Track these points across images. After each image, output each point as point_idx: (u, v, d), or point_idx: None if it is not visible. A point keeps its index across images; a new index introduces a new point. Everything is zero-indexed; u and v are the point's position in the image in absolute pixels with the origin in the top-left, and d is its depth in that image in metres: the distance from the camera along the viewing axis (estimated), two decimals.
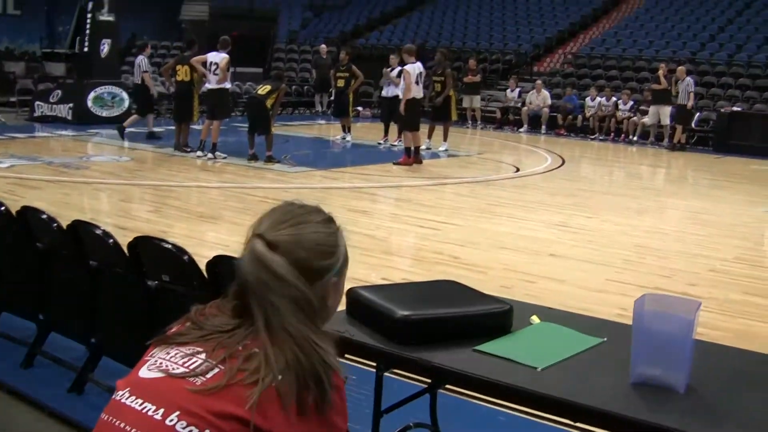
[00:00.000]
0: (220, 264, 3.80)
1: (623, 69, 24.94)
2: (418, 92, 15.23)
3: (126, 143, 17.03)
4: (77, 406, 4.38)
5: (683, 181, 16.87)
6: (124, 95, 20.44)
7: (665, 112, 20.48)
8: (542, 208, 11.41)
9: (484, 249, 8.72)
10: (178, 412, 1.58)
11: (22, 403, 4.47)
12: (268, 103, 14.63)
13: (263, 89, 14.98)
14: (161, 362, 1.68)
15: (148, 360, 1.71)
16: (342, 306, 2.79)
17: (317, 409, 1.60)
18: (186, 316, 1.79)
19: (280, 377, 1.59)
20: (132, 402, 1.64)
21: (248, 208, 10.52)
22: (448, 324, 2.98)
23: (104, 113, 19.91)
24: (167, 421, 1.58)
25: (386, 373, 3.29)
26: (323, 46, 23.87)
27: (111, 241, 4.41)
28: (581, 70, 25.69)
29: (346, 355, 3.13)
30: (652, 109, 20.83)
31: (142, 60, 17.39)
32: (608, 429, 2.66)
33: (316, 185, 13.07)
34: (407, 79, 15.05)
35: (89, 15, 20.32)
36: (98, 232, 4.51)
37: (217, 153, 15.02)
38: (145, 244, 4.29)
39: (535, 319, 3.17)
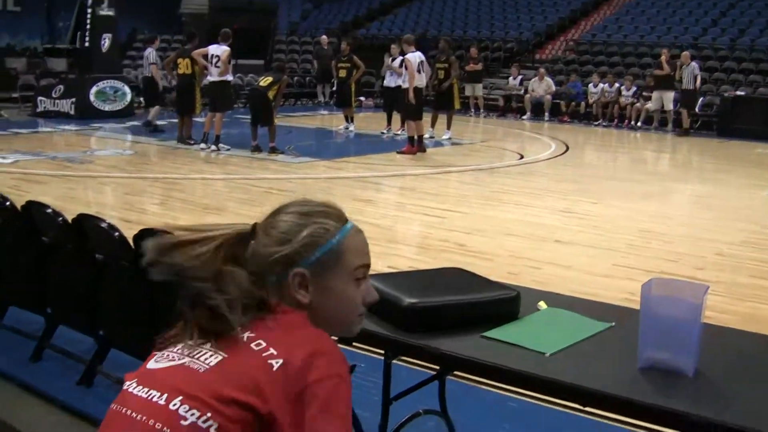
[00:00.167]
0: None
1: (625, 55, 24.89)
2: (420, 81, 15.22)
3: (129, 137, 17.06)
4: (86, 398, 4.39)
5: (688, 165, 16.85)
6: (126, 89, 20.45)
7: (668, 98, 20.45)
8: (547, 195, 11.40)
9: (489, 236, 8.71)
10: (181, 397, 1.61)
11: (32, 396, 4.48)
12: (270, 94, 14.64)
13: (265, 81, 14.99)
14: (168, 354, 1.74)
15: (156, 354, 1.77)
16: None
17: (317, 394, 1.60)
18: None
19: (280, 361, 1.62)
20: (139, 391, 1.69)
21: (253, 199, 10.53)
22: (455, 311, 2.98)
23: (107, 107, 19.92)
24: (170, 406, 1.61)
25: (395, 361, 3.29)
26: (324, 37, 23.86)
27: (116, 234, 4.41)
28: (583, 57, 25.65)
29: (354, 344, 3.14)
30: (655, 94, 20.78)
31: (150, 52, 17.38)
32: (617, 413, 2.67)
33: (321, 175, 13.07)
34: (410, 68, 15.04)
35: (89, 10, 20.31)
36: (103, 225, 4.51)
37: (221, 145, 15.02)
38: (150, 237, 4.28)
39: (542, 304, 3.17)
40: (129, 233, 4.43)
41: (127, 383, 1.73)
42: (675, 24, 25.58)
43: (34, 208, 5.06)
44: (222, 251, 1.80)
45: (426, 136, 16.24)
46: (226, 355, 1.67)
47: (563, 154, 16.34)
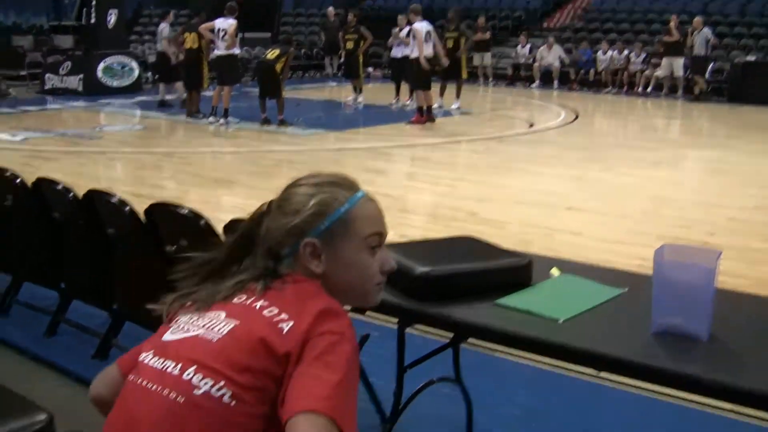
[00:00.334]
0: (237, 227, 3.79)
1: (634, 22, 24.74)
2: (428, 51, 15.14)
3: (138, 112, 17.07)
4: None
5: (698, 131, 16.77)
6: (134, 65, 20.43)
7: (678, 64, 20.32)
8: (558, 163, 11.38)
9: (501, 204, 8.71)
10: (195, 367, 1.63)
11: (48, 370, 4.51)
12: (278, 67, 14.60)
13: (272, 54, 14.96)
14: (183, 326, 1.76)
15: (172, 325, 1.79)
16: None
17: (316, 345, 1.61)
18: (204, 284, 1.86)
19: (291, 323, 1.64)
20: (154, 362, 1.71)
21: (263, 171, 10.53)
22: (468, 279, 2.97)
23: (114, 83, 19.91)
24: (184, 376, 1.63)
25: (408, 330, 3.30)
26: (330, 8, 23.72)
27: (127, 208, 4.41)
28: (592, 24, 25.49)
29: (368, 313, 3.14)
30: (664, 61, 20.64)
31: (164, 27, 17.30)
32: (632, 377, 2.67)
33: (330, 147, 13.06)
34: (418, 37, 14.98)
35: None
36: (114, 200, 4.51)
37: (229, 118, 15.01)
38: (161, 211, 4.29)
39: (555, 271, 3.16)
40: (140, 208, 4.44)
41: (144, 355, 1.75)
42: None
43: (44, 184, 5.06)
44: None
45: (435, 105, 16.19)
46: (238, 322, 1.69)
47: (573, 121, 16.29)
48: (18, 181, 5.21)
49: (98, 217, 4.68)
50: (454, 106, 17.40)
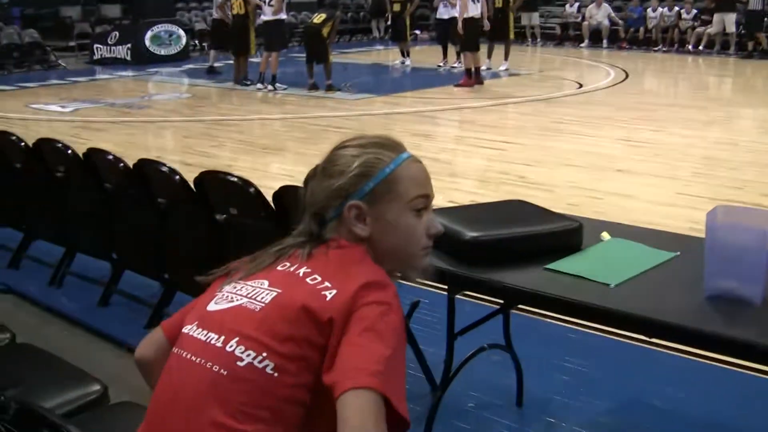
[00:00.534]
0: (286, 194, 3.80)
1: None
2: (475, 11, 15.01)
3: (186, 80, 17.15)
4: None
5: (752, 90, 16.45)
6: (181, 32, 20.50)
7: (730, 20, 19.94)
8: (607, 124, 11.26)
9: (550, 167, 8.64)
10: (237, 338, 1.63)
11: (102, 340, 4.57)
12: (325, 31, 14.55)
13: (318, 18, 14.89)
14: (227, 295, 1.75)
15: (216, 295, 1.78)
16: None
17: (363, 316, 1.59)
18: (253, 255, 1.85)
19: (334, 291, 1.63)
20: (198, 334, 1.71)
21: (311, 137, 10.54)
22: (517, 244, 2.96)
23: (162, 52, 20.00)
24: (227, 348, 1.63)
25: (458, 296, 3.29)
26: None
27: (177, 177, 4.44)
28: None
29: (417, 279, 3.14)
30: (716, 17, 20.24)
31: None
32: (684, 344, 2.65)
33: (378, 111, 13.03)
34: None
35: None
36: (164, 169, 4.54)
37: (277, 84, 15.01)
38: (211, 179, 4.31)
39: (605, 235, 3.13)
40: (189, 176, 4.47)
41: (188, 327, 1.75)
42: None
43: (95, 155, 5.11)
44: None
45: (483, 67, 16.07)
46: (280, 290, 1.68)
47: (623, 81, 16.08)
48: (69, 152, 5.26)
49: (149, 187, 4.72)
50: (502, 68, 17.26)
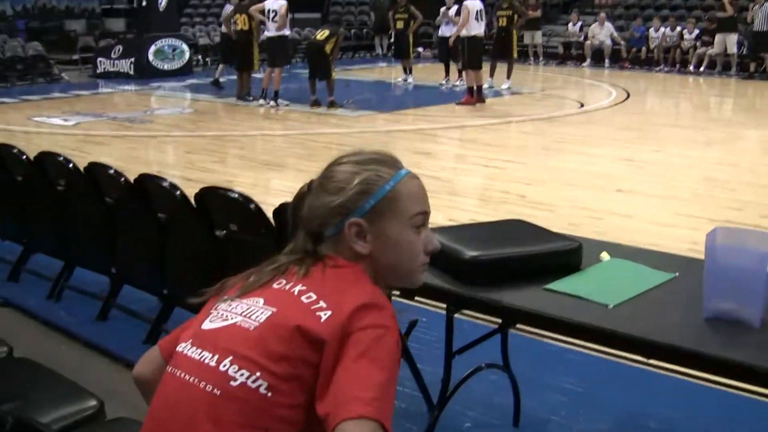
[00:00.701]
0: (286, 211, 3.80)
1: None
2: (478, 30, 15.05)
3: (189, 95, 17.18)
4: None
5: (753, 110, 16.45)
6: (185, 47, 20.53)
7: (732, 41, 19.98)
8: (608, 144, 11.27)
9: (550, 187, 8.65)
10: (231, 357, 1.62)
11: (99, 355, 4.56)
12: (328, 48, 14.58)
13: (322, 34, 14.94)
14: (222, 313, 1.74)
15: (211, 312, 1.77)
16: None
17: (359, 340, 1.58)
18: (248, 271, 1.83)
19: (329, 313, 1.62)
20: (192, 353, 1.70)
21: (313, 154, 10.54)
22: (517, 263, 2.97)
23: (165, 66, 20.03)
24: (221, 367, 1.62)
25: (457, 315, 3.29)
26: None
27: (178, 192, 4.44)
28: (644, 1, 25.13)
29: (416, 298, 3.14)
30: (717, 37, 20.28)
31: (228, 8, 17.22)
32: (682, 365, 2.64)
33: (380, 128, 13.05)
34: (464, 15, 14.89)
35: None
36: (165, 184, 4.55)
37: (280, 100, 15.03)
38: (211, 195, 4.32)
39: (605, 255, 3.13)
40: (190, 192, 4.47)
41: (182, 345, 1.74)
42: None
43: (96, 169, 5.11)
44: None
45: (485, 86, 16.10)
46: (275, 309, 1.67)
47: (624, 101, 16.11)
48: (71, 165, 5.26)
49: (149, 202, 4.73)
50: (504, 86, 17.28)
